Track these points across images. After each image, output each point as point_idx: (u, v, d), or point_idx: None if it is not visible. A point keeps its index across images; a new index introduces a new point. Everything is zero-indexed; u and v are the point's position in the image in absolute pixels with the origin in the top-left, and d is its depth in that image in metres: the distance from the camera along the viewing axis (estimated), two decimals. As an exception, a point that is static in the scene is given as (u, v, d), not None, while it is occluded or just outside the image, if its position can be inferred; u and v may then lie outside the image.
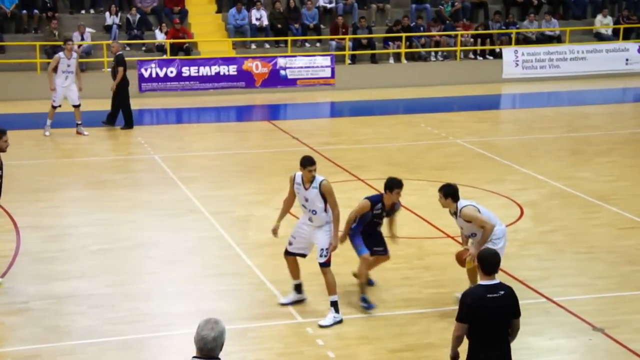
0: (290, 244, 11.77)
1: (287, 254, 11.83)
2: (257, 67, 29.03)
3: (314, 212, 11.40)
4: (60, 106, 22.13)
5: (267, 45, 30.54)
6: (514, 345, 8.14)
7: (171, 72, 28.19)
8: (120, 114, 23.13)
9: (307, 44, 30.94)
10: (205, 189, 17.33)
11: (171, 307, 11.67)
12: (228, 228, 14.97)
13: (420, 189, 17.49)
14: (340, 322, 11.34)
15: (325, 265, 11.40)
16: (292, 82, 29.37)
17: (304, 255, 11.83)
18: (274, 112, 27.04)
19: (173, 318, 11.37)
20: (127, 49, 29.29)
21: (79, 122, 22.32)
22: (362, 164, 19.47)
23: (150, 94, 27.86)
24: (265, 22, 30.69)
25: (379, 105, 27.65)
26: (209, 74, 28.54)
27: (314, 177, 11.39)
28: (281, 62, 29.31)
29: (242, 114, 26.85)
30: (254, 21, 30.62)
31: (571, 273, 13.24)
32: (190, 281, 12.72)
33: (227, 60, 28.86)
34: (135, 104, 26.99)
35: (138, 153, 20.56)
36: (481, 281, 7.95)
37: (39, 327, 11.03)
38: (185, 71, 28.35)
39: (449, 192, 11.19)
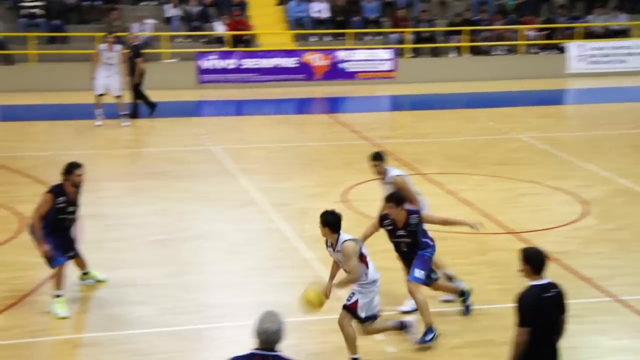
0: None
1: None
2: (317, 60, 29.00)
3: None
4: (104, 94, 22.23)
5: (327, 38, 30.49)
6: (579, 343, 8.02)
7: (231, 63, 28.29)
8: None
9: (367, 37, 30.83)
10: (264, 181, 17.34)
11: (229, 299, 11.68)
12: (287, 220, 14.96)
13: (481, 185, 17.35)
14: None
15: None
16: (352, 75, 29.30)
17: None
18: (333, 105, 27.00)
19: (231, 309, 11.38)
20: (188, 40, 29.52)
21: (123, 113, 22.41)
22: (423, 158, 19.35)
23: (210, 86, 27.98)
24: (326, 14, 30.64)
25: (439, 99, 27.49)
26: (268, 66, 28.59)
27: (387, 171, 11.89)
28: (341, 55, 29.25)
29: (302, 106, 26.86)
30: (314, 13, 30.58)
31: (637, 272, 13.00)
32: (249, 273, 12.72)
33: (287, 53, 28.88)
34: (195, 95, 27.24)
35: (197, 144, 20.63)
36: (533, 282, 7.80)
37: (98, 316, 11.12)
38: (245, 63, 28.43)
39: (329, 221, 9.81)
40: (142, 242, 13.89)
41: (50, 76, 26.80)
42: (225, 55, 28.34)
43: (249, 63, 28.47)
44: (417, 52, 30.62)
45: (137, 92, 23.34)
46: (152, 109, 23.55)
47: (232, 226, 14.73)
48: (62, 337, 10.62)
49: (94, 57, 22.44)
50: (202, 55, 28.15)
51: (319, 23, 30.64)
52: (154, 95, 24.03)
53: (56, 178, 16.56)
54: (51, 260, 11.10)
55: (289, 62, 28.81)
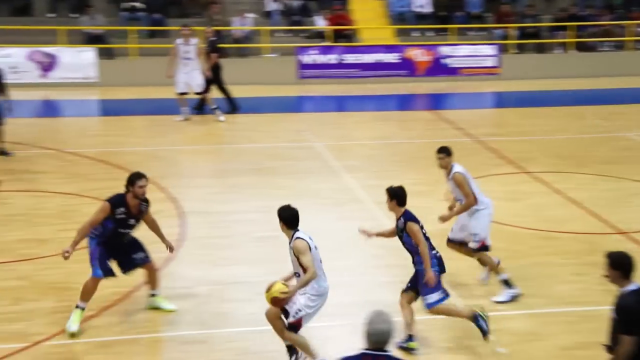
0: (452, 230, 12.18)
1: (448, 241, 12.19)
2: (419, 56, 28.88)
3: (461, 202, 11.88)
4: (186, 93, 22.37)
5: (429, 33, 30.33)
6: None
7: (332, 58, 28.34)
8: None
9: (471, 33, 30.59)
10: (367, 178, 17.34)
11: (334, 298, 11.62)
12: (391, 219, 14.83)
13: (589, 183, 17.11)
14: (517, 296, 11.65)
15: (478, 250, 11.78)
16: (455, 72, 29.15)
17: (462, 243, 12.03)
18: (436, 102, 26.88)
19: (337, 308, 11.35)
20: (289, 34, 29.68)
21: (214, 107, 22.55)
22: (528, 156, 19.15)
23: (310, 81, 28.11)
24: (429, 9, 30.48)
25: (545, 96, 27.15)
26: (369, 61, 28.58)
27: (452, 167, 11.77)
28: (444, 50, 29.09)
29: (404, 102, 26.79)
30: (416, 8, 30.45)
31: None
32: (353, 272, 12.72)
33: (388, 48, 28.84)
34: (295, 90, 27.36)
35: (299, 140, 20.74)
36: (628, 287, 7.61)
37: (205, 313, 11.23)
38: (346, 58, 28.49)
39: (283, 216, 9.72)
40: (246, 239, 14.00)
41: (150, 70, 27.24)
42: (326, 50, 28.42)
43: (350, 58, 28.53)
44: (521, 48, 30.29)
45: (217, 87, 23.47)
46: (200, 108, 23.56)
47: (336, 224, 14.74)
48: (169, 334, 10.78)
49: (172, 52, 22.59)
50: (302, 50, 28.27)
51: (421, 18, 30.51)
52: (254, 90, 24.22)
53: (158, 173, 16.94)
54: (92, 269, 10.67)
55: (391, 57, 28.78)
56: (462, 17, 30.59)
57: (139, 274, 11.85)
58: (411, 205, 15.45)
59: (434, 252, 10.55)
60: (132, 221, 10.75)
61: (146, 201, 10.86)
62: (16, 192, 16.40)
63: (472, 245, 11.85)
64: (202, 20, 28.96)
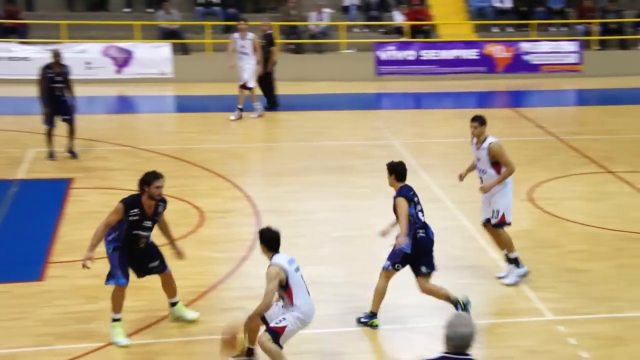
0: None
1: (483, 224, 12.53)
2: (499, 52, 28.60)
3: (483, 172, 12.38)
4: (245, 87, 22.33)
5: (509, 29, 30.01)
6: None
7: (410, 55, 28.19)
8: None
9: (552, 28, 30.18)
10: (445, 177, 17.17)
11: (414, 299, 11.59)
12: (471, 218, 14.77)
13: (678, 185, 16.81)
14: (525, 275, 12.12)
15: (497, 226, 12.22)
16: (536, 68, 28.80)
17: (489, 220, 12.36)
18: (516, 99, 26.60)
19: (416, 310, 11.31)
20: (365, 30, 29.59)
21: (255, 104, 22.45)
22: (612, 156, 18.91)
23: (388, 78, 27.99)
24: (509, 4, 30.16)
25: (629, 94, 26.75)
26: (448, 57, 28.38)
27: (486, 137, 12.23)
28: (525, 46, 28.76)
29: (483, 100, 26.56)
30: (496, 3, 30.14)
31: None
32: (434, 273, 12.57)
33: (468, 44, 28.61)
34: (372, 87, 27.26)
35: (377, 138, 20.65)
36: None
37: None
38: (425, 54, 28.30)
39: (264, 238, 9.52)
40: (323, 239, 13.96)
41: (225, 66, 27.31)
42: (404, 46, 28.28)
43: (428, 54, 28.34)
44: (604, 45, 29.79)
45: (268, 82, 23.34)
46: (273, 104, 23.55)
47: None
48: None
49: (229, 47, 22.63)
50: (380, 45, 28.16)
51: (501, 13, 30.21)
52: (331, 87, 24.21)
53: (233, 171, 16.98)
54: (109, 277, 10.42)
55: (470, 53, 28.53)
56: (543, 12, 30.20)
57: (212, 273, 11.89)
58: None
59: (420, 231, 10.81)
60: (147, 223, 10.42)
61: (164, 201, 10.58)
62: (90, 189, 16.58)
63: (492, 221, 12.29)
64: (278, 15, 28.99)
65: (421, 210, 11.04)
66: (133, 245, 10.40)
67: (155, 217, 10.49)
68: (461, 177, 12.97)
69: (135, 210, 10.25)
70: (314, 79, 27.19)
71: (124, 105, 26.07)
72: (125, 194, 15.82)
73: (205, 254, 12.97)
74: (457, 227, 14.42)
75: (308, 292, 9.48)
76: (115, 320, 10.48)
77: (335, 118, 22.73)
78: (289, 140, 20.56)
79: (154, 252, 10.73)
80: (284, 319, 9.34)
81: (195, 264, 12.67)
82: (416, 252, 10.78)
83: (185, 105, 25.43)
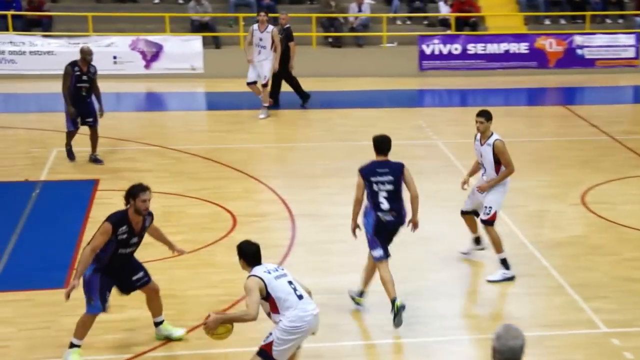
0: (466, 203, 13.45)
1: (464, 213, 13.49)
2: (550, 45, 28.49)
3: (485, 170, 12.96)
4: (255, 82, 22.36)
5: (562, 21, 29.88)
6: None
7: (456, 49, 28.15)
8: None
9: (608, 20, 30.02)
10: (492, 180, 17.18)
11: (458, 309, 11.62)
12: (520, 224, 14.77)
13: None
14: (511, 279, 12.59)
15: (487, 223, 12.74)
16: (590, 63, 28.64)
17: (477, 214, 13.14)
18: (569, 96, 26.49)
19: (461, 321, 11.32)
20: (408, 22, 29.55)
21: (265, 105, 22.40)
22: (671, 157, 18.85)
23: (432, 73, 27.94)
24: (562, -6, 30.06)
25: (691, 91, 26.60)
26: (497, 52, 28.28)
27: (491, 134, 12.83)
28: (578, 40, 28.62)
29: (534, 97, 26.46)
30: (548, -7, 30.06)
31: None
32: (479, 281, 12.64)
33: (517, 37, 28.49)
34: (415, 83, 27.23)
35: (419, 137, 20.67)
36: None
37: (320, 324, 11.22)
38: (471, 48, 28.22)
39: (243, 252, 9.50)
40: (361, 245, 13.92)
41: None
42: (449, 39, 28.22)
43: (475, 48, 28.24)
44: (664, 37, 29.58)
45: (290, 80, 23.30)
46: (305, 99, 23.56)
47: (459, 229, 14.56)
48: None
49: (247, 38, 22.58)
50: (424, 39, 28.12)
51: (553, 4, 30.10)
52: (372, 83, 24.25)
53: (267, 173, 17.02)
54: (88, 304, 10.32)
55: (520, 47, 28.41)
56: (599, 3, 30.02)
57: (244, 281, 11.93)
58: (545, 209, 15.46)
59: (379, 212, 11.34)
60: (134, 239, 10.35)
61: (150, 215, 10.48)
62: (117, 192, 16.67)
63: (482, 217, 12.86)
64: (316, 7, 29.05)
65: (387, 191, 11.59)
66: (116, 265, 10.28)
67: (142, 232, 10.41)
68: (464, 184, 13.44)
69: (124, 227, 10.14)
70: (353, 74, 27.19)
71: (153, 102, 26.23)
72: (154, 197, 15.96)
73: (236, 260, 12.99)
74: (506, 234, 14.27)
75: (300, 297, 9.28)
76: (74, 345, 10.37)
77: (375, 116, 22.74)
78: (325, 139, 20.57)
79: (135, 265, 10.65)
80: (270, 334, 9.26)
81: (227, 271, 12.77)
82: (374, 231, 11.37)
83: (216, 102, 25.51)
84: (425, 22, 29.60)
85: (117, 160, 18.70)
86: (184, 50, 27.58)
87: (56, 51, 26.64)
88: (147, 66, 27.50)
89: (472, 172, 13.46)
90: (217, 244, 13.99)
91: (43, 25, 28.05)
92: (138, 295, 11.48)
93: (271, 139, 20.54)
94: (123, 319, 11.43)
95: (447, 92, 26.61)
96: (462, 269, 13.03)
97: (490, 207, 12.76)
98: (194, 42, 27.75)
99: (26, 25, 27.95)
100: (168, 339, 10.95)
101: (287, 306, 9.17)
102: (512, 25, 29.50)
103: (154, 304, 10.87)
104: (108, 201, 16.07)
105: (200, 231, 14.55)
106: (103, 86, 18.60)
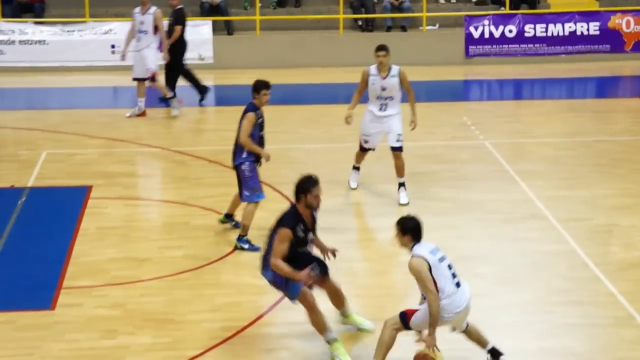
0: (366, 142, 16.79)
1: (363, 149, 16.91)
2: (628, 25, 28.43)
3: (390, 99, 16.45)
4: (154, 79, 22.46)
5: (643, -5, 29.84)
6: None
7: (510, 31, 28.18)
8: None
9: None
10: (552, 188, 17.22)
11: (505, 342, 11.66)
12: (583, 241, 14.77)
13: None
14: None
15: (400, 150, 16.42)
16: (677, 45, 28.59)
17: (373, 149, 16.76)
18: (649, 86, 26.49)
19: (508, 356, 11.35)
20: (453, 0, 29.53)
21: (168, 97, 22.59)
22: None
23: (481, 60, 28.06)
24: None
25: None
26: (561, 34, 28.32)
27: (390, 66, 16.24)
28: (663, 18, 28.56)
29: (606, 87, 26.49)
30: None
31: None
32: (530, 309, 12.63)
33: (586, 16, 28.48)
34: (461, 72, 27.26)
35: (463, 137, 20.77)
36: None
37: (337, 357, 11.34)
38: (529, 30, 28.27)
39: (408, 228, 10.76)
40: (390, 265, 14.00)
41: (278, 48, 27.64)
42: (502, 19, 28.24)
43: (534, 30, 28.25)
44: None
45: (180, 70, 23.39)
46: (203, 93, 23.76)
47: (509, 246, 14.69)
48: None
49: (131, 26, 22.66)
50: (472, 20, 28.17)
51: (633, -25, 30.00)
52: (410, 72, 24.17)
53: (283, 178, 17.09)
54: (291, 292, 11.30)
55: (590, 28, 28.37)
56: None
57: (251, 304, 12.04)
58: (613, 223, 15.50)
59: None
60: (310, 235, 11.47)
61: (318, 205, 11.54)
62: (113, 200, 16.90)
63: (395, 144, 16.49)
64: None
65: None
66: (295, 264, 11.16)
67: (314, 225, 11.55)
68: (349, 117, 16.65)
69: (300, 225, 11.24)
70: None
71: (154, 97, 26.42)
72: (155, 206, 16.24)
73: (244, 281, 13.19)
74: (564, 252, 14.40)
75: (457, 284, 10.56)
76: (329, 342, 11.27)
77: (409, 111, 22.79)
78: (351, 140, 20.55)
79: (310, 259, 11.52)
80: (421, 305, 10.68)
81: (232, 293, 12.94)
82: None
83: (226, 97, 25.61)
84: (474, 0, 29.63)
85: (111, 163, 18.91)
86: (191, 37, 27.56)
87: (49, 40, 26.97)
88: (149, 56, 27.74)
89: (354, 106, 16.63)
90: (223, 261, 14.11)
91: (35, 11, 28.28)
92: (131, 320, 11.72)
93: (288, 139, 20.59)
94: (112, 345, 11.58)
95: (498, 83, 26.69)
96: (512, 295, 13.04)
97: (400, 134, 16.44)
98: (203, 28, 27.98)
99: (16, 11, 28.21)
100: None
101: (446, 295, 10.44)
102: (580, 1, 29.46)
103: (336, 299, 11.85)
104: (101, 211, 16.30)
105: (204, 246, 14.70)
106: (99, 79, 18.82)
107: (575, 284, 13.32)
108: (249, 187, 14.52)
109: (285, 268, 11.02)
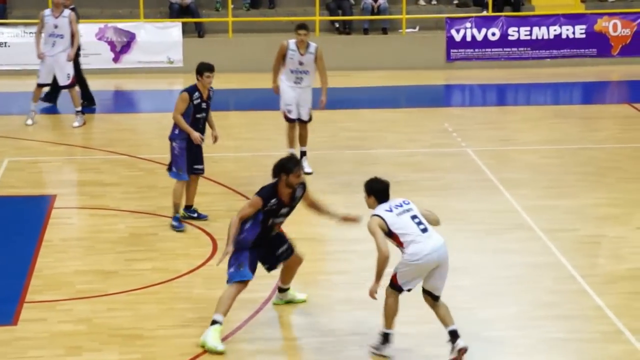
0: (290, 111, 18.42)
1: (291, 121, 18.54)
2: (615, 28, 28.51)
3: (305, 73, 18.29)
4: (73, 85, 22.24)
5: (631, -3, 29.94)
6: None
7: (493, 34, 28.25)
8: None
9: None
10: (537, 197, 17.27)
11: (488, 357, 11.71)
12: (570, 252, 14.80)
13: None
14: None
15: (309, 121, 18.59)
16: (668, 51, 28.70)
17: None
18: (636, 92, 26.53)
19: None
20: (433, 2, 29.62)
21: (78, 109, 22.21)
22: None
23: (463, 64, 28.10)
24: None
25: None
26: (546, 37, 28.39)
27: (309, 44, 18.16)
28: (651, 21, 28.68)
29: (592, 93, 26.58)
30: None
31: None
32: (514, 323, 12.66)
33: (572, 19, 28.57)
34: (442, 77, 27.31)
35: (444, 145, 20.79)
36: None
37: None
38: (513, 33, 28.34)
39: (373, 189, 11.95)
40: (370, 277, 13.97)
41: (251, 51, 27.58)
42: (485, 22, 28.31)
43: (517, 33, 28.32)
44: None
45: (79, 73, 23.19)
46: (90, 102, 23.68)
47: (492, 258, 14.72)
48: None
49: (38, 27, 22.40)
50: (453, 22, 28.22)
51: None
52: (389, 77, 24.29)
53: (256, 187, 17.03)
54: (237, 270, 12.07)
55: (575, 31, 28.45)
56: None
57: (225, 319, 12.03)
58: (600, 234, 15.54)
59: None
60: (284, 210, 12.39)
61: (303, 186, 12.41)
62: (77, 210, 16.89)
63: (305, 117, 18.51)
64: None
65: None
66: (267, 235, 12.31)
67: (293, 203, 12.41)
68: (277, 88, 18.47)
69: (274, 200, 12.14)
70: (364, 67, 27.34)
71: (122, 102, 26.41)
72: (121, 216, 16.21)
73: (216, 295, 12.97)
74: (550, 265, 14.42)
75: (423, 230, 11.55)
76: (215, 322, 11.87)
77: (391, 118, 22.83)
78: (329, 147, 20.61)
79: (281, 238, 12.66)
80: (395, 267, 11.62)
81: (204, 307, 12.81)
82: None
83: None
84: (456, 2, 29.70)
85: (77, 171, 18.95)
86: (160, 39, 27.76)
87: (10, 42, 26.88)
88: (116, 59, 27.76)
89: (277, 78, 18.42)
90: (193, 274, 14.08)
91: (-4, 12, 28.21)
92: (97, 336, 11.69)
93: (262, 146, 20.55)
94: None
95: (481, 88, 26.74)
96: (497, 309, 13.05)
97: (310, 107, 18.48)
98: (172, 30, 27.98)
99: (-26, 12, 28.13)
100: (289, 303, 12.99)
101: (410, 240, 11.41)
102: (565, 4, 29.54)
103: (290, 273, 12.92)
104: (66, 221, 16.28)
105: (174, 258, 14.68)
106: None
107: (561, 297, 13.35)
108: (177, 165, 15.82)
109: (234, 229, 11.94)
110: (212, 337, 11.72)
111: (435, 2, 29.71)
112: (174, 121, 15.70)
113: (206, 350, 11.66)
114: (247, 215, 12.07)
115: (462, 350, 11.37)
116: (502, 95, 26.43)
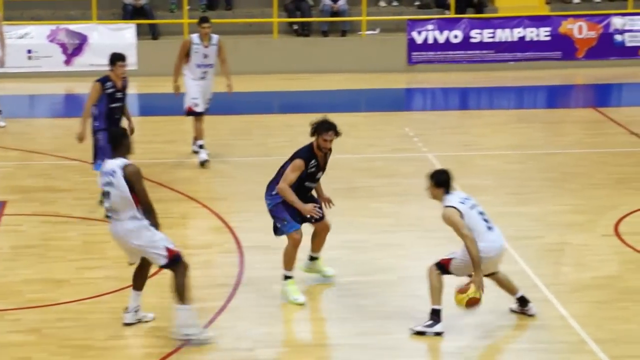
0: (197, 105, 19.55)
1: (198, 114, 19.62)
2: (580, 31, 28.65)
3: (209, 67, 19.55)
4: None
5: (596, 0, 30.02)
6: None
7: (455, 36, 28.33)
8: None
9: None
10: (500, 204, 17.22)
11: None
12: (533, 261, 14.84)
13: None
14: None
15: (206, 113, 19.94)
16: (632, 52, 28.85)
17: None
18: (602, 96, 26.70)
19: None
20: (394, 3, 29.68)
21: None
22: None
23: (425, 67, 28.16)
24: (596, -35, 30.23)
25: None
26: (509, 39, 28.50)
27: (211, 35, 19.34)
28: (617, 22, 28.79)
29: (557, 97, 26.69)
30: (576, -36, 30.24)
31: None
32: (476, 333, 12.67)
33: (536, 21, 28.70)
34: (403, 80, 27.38)
35: (405, 149, 20.83)
36: None
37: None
38: (476, 36, 28.43)
39: (442, 181, 12.59)
40: (326, 288, 14.01)
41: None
42: (447, 24, 28.40)
43: (481, 36, 28.42)
44: None
45: None
46: None
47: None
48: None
49: None
50: (414, 24, 28.28)
51: (584, -22, 30.25)
52: (348, 81, 24.27)
53: (213, 194, 17.03)
54: (282, 227, 13.20)
55: (540, 33, 28.58)
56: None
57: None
58: (564, 241, 15.60)
59: None
60: (320, 174, 13.39)
61: (330, 151, 13.39)
62: (28, 216, 16.81)
63: (204, 107, 19.80)
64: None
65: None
66: (299, 197, 13.06)
67: (325, 167, 13.43)
68: (179, 88, 19.75)
69: (313, 161, 13.17)
70: (323, 70, 27.37)
71: (74, 106, 26.25)
72: (72, 223, 16.16)
73: (169, 304, 13.11)
74: (513, 273, 14.09)
75: (489, 228, 12.29)
76: (287, 277, 13.16)
77: (350, 122, 22.69)
78: (287, 152, 20.60)
79: (313, 200, 13.44)
80: (455, 252, 12.46)
81: (158, 317, 12.86)
82: None
83: (151, 106, 25.56)
84: (417, 3, 29.76)
85: (28, 177, 18.88)
86: (113, 41, 27.62)
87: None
88: (67, 62, 27.67)
89: (178, 77, 19.67)
90: (146, 283, 14.05)
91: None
92: (47, 346, 11.67)
93: (219, 151, 20.56)
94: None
95: (443, 92, 26.83)
96: (452, 319, 13.08)
97: (210, 99, 20.03)
98: (126, 32, 27.94)
99: None
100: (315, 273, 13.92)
101: (478, 237, 12.05)
102: (530, 6, 29.66)
103: (319, 239, 13.72)
104: (16, 228, 16.22)
105: (126, 266, 14.54)
106: (14, 87, 18.70)
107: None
108: (102, 157, 15.85)
109: (291, 195, 12.90)
110: (291, 292, 13.11)
111: (396, 4, 29.76)
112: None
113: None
114: (292, 180, 12.96)
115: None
116: (464, 99, 26.52)
